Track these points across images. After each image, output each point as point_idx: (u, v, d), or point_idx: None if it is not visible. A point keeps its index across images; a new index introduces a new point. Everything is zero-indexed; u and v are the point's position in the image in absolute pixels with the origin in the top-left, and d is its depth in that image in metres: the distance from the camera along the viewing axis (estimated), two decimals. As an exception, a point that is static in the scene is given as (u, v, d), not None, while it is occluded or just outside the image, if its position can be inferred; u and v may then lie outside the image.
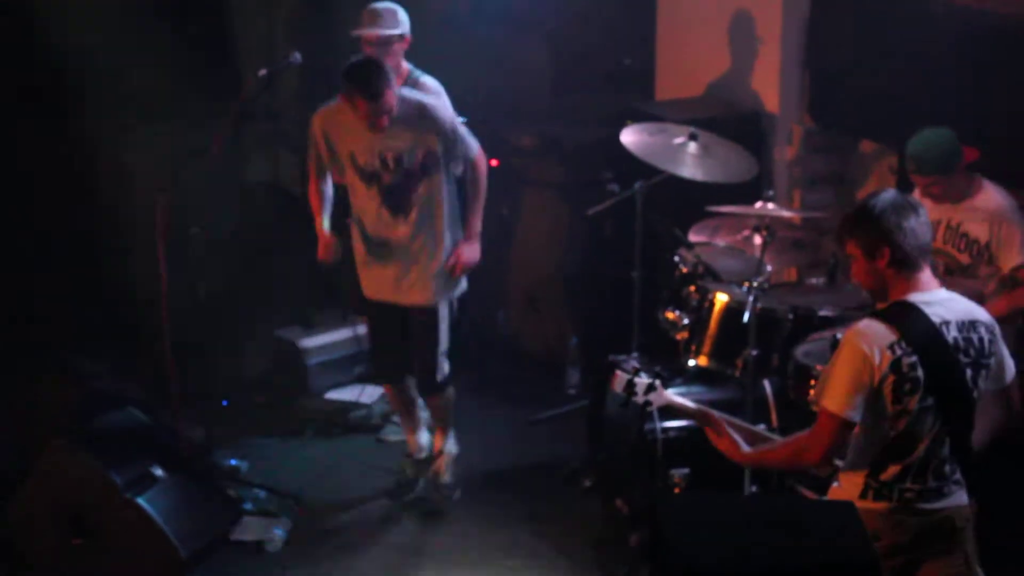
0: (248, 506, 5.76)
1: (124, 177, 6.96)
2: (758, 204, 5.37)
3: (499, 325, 7.44)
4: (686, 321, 5.42)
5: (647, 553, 4.80)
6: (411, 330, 5.70)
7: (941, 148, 4.93)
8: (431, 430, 6.07)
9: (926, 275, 3.75)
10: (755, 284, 5.18)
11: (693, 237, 5.61)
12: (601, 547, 5.51)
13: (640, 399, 4.20)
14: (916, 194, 4.91)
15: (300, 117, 6.30)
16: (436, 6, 7.06)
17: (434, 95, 5.73)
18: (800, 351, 4.99)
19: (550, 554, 5.50)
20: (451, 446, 5.99)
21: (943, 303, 3.74)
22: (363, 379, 6.82)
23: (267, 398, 6.79)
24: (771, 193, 5.48)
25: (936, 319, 3.69)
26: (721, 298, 5.32)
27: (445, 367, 5.76)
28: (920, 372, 3.64)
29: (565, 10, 7.49)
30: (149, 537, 5.15)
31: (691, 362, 5.39)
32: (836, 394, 3.66)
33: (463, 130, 5.54)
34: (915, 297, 3.72)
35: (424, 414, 6.07)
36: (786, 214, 5.50)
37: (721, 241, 5.56)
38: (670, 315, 5.50)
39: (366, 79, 5.22)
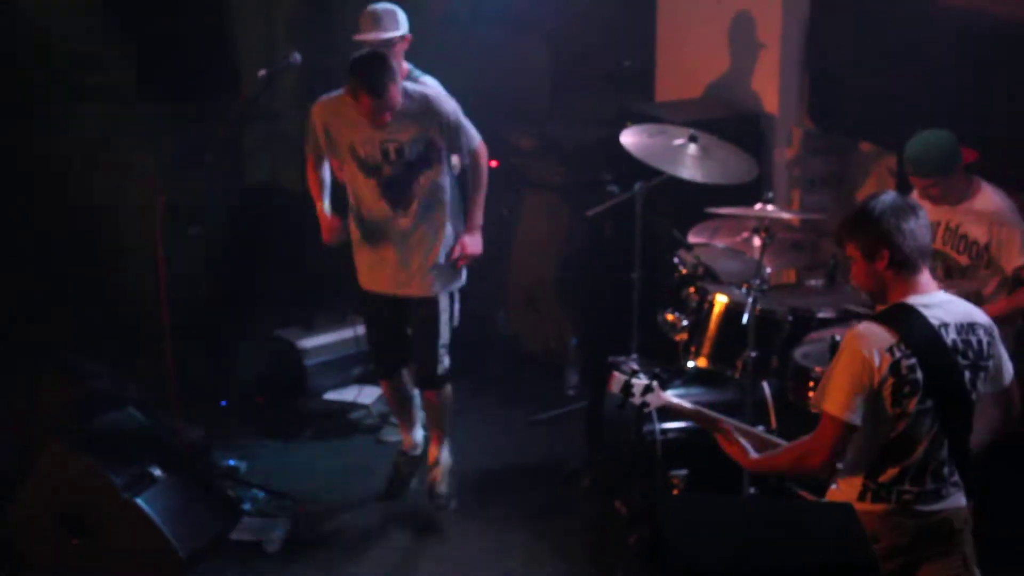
0: (247, 506, 5.77)
1: (124, 177, 6.97)
2: (757, 206, 5.36)
3: (499, 325, 7.44)
4: (685, 322, 5.42)
5: (647, 553, 4.80)
6: (411, 323, 5.69)
7: (940, 149, 4.93)
8: (426, 428, 6.04)
9: (925, 277, 3.75)
10: (754, 286, 5.19)
11: (693, 238, 5.60)
12: (600, 548, 5.51)
13: (637, 400, 4.20)
14: (915, 196, 4.90)
15: (300, 117, 6.29)
16: (436, 6, 7.06)
17: (434, 94, 5.73)
18: (799, 353, 5.00)
19: (549, 554, 5.50)
20: (447, 456, 5.89)
21: (942, 305, 3.74)
22: (362, 380, 6.82)
23: (266, 398, 6.79)
24: (770, 195, 5.46)
25: (935, 321, 3.69)
26: (720, 299, 5.33)
27: (445, 360, 5.71)
28: (919, 374, 3.64)
29: (565, 10, 7.48)
30: (148, 537, 5.15)
31: (690, 363, 5.39)
32: (837, 398, 3.66)
33: (465, 121, 5.53)
34: (914, 299, 3.72)
35: (420, 414, 6.04)
36: (785, 216, 5.49)
37: (720, 242, 5.56)
38: (669, 316, 5.50)
39: (372, 75, 5.20)
